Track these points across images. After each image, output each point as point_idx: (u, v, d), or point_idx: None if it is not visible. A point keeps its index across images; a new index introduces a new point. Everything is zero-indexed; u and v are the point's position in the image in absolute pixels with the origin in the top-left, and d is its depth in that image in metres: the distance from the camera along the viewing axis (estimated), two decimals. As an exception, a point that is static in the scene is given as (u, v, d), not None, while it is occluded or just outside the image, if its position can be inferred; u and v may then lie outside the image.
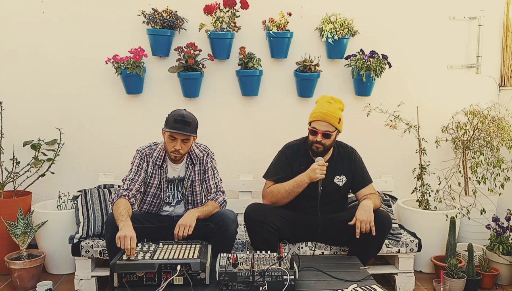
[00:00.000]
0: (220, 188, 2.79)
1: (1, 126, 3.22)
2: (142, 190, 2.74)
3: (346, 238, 2.75)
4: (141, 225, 2.59)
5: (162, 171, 2.73)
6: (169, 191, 2.77)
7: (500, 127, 3.20)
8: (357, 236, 2.61)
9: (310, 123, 2.81)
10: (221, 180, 2.83)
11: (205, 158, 2.79)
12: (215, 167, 2.82)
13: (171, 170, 2.76)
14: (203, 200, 2.82)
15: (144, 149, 2.74)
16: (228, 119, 3.58)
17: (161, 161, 2.72)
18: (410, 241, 2.94)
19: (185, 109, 2.69)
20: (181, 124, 2.56)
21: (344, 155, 2.91)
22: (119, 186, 2.87)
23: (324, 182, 2.76)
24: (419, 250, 2.95)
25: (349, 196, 3.05)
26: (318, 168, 2.71)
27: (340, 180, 2.86)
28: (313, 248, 2.84)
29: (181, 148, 2.60)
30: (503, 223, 3.11)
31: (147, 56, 3.39)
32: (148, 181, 2.73)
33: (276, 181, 2.83)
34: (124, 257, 2.23)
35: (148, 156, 2.72)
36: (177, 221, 2.60)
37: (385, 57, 3.38)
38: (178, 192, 2.79)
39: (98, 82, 3.49)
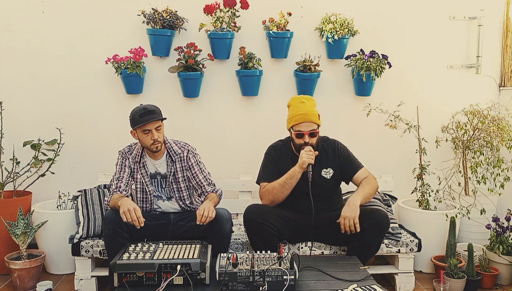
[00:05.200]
0: (210, 180, 2.86)
1: (1, 126, 3.21)
2: (131, 185, 2.80)
3: (344, 238, 2.74)
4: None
5: (141, 165, 2.79)
6: (152, 185, 2.81)
7: (500, 127, 3.20)
8: (342, 232, 2.64)
9: (291, 127, 2.81)
10: (209, 173, 2.89)
11: (186, 154, 2.82)
12: (199, 161, 2.87)
13: (151, 165, 2.81)
14: (192, 194, 2.87)
15: (124, 148, 2.85)
16: (228, 119, 3.58)
17: (139, 156, 2.79)
18: (410, 241, 2.94)
19: (141, 104, 2.74)
20: (147, 115, 2.63)
21: (327, 147, 2.91)
22: (108, 189, 2.93)
23: (312, 176, 2.76)
24: (419, 250, 2.95)
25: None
26: (304, 152, 2.72)
27: (327, 173, 2.86)
28: (311, 247, 2.84)
29: (158, 136, 2.67)
30: (503, 223, 3.10)
31: (147, 56, 3.39)
32: (133, 176, 2.80)
33: (269, 181, 2.83)
34: (125, 257, 2.23)
35: (127, 153, 2.81)
36: (174, 218, 2.73)
37: (385, 57, 3.38)
38: (162, 189, 2.82)
39: (98, 82, 3.50)
